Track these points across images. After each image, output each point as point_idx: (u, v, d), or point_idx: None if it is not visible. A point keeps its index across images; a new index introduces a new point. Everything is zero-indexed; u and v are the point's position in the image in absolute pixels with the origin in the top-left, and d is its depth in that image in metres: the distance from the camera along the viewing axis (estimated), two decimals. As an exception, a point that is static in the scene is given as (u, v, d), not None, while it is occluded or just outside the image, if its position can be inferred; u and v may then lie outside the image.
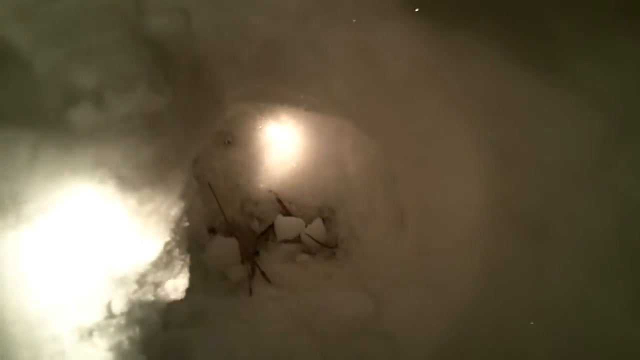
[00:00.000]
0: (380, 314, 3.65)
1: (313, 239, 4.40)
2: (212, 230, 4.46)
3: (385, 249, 3.92)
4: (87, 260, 1.57)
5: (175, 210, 1.97)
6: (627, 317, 1.80)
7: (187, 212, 4.26)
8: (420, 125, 2.96)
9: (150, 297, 1.81)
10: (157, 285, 1.85)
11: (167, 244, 1.79)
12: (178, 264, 1.97)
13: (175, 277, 1.98)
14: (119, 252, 1.62)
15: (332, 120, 4.25)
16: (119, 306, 1.62)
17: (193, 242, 4.32)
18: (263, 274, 4.09)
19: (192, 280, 3.93)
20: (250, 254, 4.18)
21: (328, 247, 4.40)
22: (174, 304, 3.47)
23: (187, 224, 2.22)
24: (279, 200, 4.64)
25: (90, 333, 1.53)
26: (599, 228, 1.92)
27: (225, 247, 4.19)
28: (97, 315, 1.57)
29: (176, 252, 1.95)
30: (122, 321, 1.63)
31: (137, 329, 1.69)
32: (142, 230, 1.70)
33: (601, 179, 1.90)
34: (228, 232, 4.40)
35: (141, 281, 1.72)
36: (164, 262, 1.83)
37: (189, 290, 2.19)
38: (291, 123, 4.62)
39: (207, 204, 4.52)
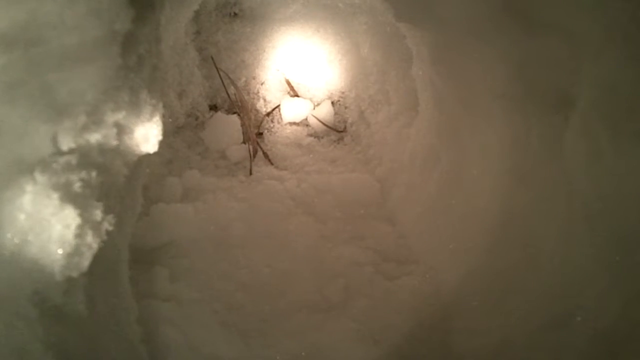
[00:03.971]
0: (386, 200, 3.45)
1: (321, 121, 4.13)
2: (214, 107, 4.21)
3: (396, 134, 3.64)
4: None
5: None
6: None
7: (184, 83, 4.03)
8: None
9: (113, 141, 1.57)
10: (120, 129, 1.60)
11: (122, 71, 1.50)
12: (147, 109, 1.71)
13: (144, 124, 1.73)
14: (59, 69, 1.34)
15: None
16: (67, 142, 1.37)
17: (192, 118, 4.10)
18: (265, 154, 3.88)
19: (187, 154, 3.76)
20: (253, 134, 3.94)
21: (336, 131, 4.14)
22: (164, 179, 3.28)
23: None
24: (287, 81, 4.33)
25: (30, 168, 1.31)
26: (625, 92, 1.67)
27: (227, 126, 3.95)
28: (39, 148, 1.33)
29: (144, 93, 1.68)
30: (73, 160, 1.40)
31: (94, 174, 1.46)
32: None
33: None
34: (230, 110, 4.14)
35: (96, 119, 1.47)
36: (126, 100, 1.57)
37: (164, 145, 1.92)
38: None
39: (209, 79, 4.22)
